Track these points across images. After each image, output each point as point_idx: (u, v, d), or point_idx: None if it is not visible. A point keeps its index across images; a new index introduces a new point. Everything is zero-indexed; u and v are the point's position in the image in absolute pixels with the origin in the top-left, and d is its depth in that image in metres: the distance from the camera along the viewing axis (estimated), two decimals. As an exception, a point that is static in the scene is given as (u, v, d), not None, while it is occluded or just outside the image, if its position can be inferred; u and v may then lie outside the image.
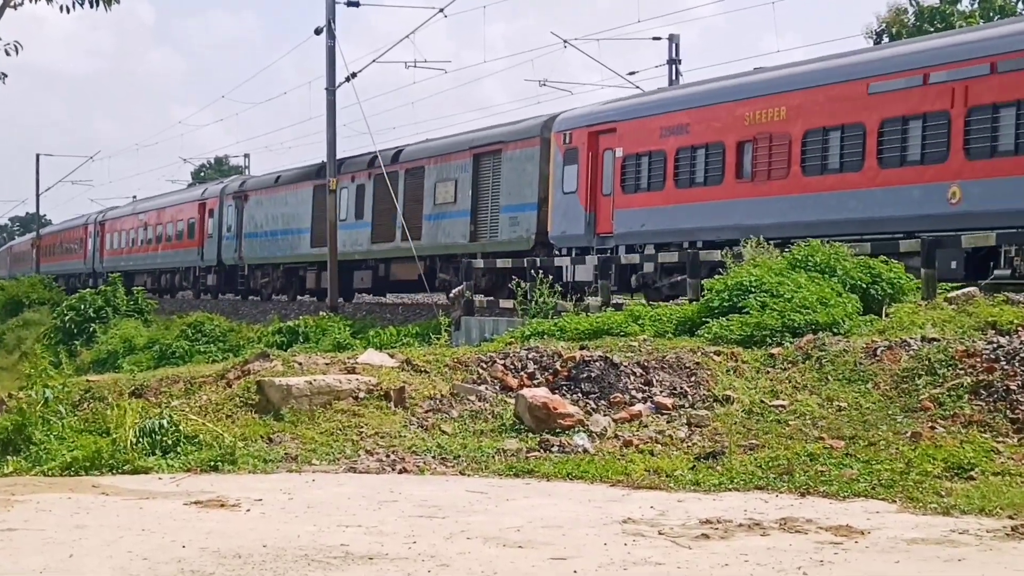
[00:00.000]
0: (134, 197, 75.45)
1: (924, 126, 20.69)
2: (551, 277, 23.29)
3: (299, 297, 44.13)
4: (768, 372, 13.88)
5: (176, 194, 61.15)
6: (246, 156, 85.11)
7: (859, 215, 21.55)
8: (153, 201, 62.14)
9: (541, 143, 30.69)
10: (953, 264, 19.25)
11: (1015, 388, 11.90)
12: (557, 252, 29.31)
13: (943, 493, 9.86)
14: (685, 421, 12.72)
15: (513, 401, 13.21)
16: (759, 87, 24.47)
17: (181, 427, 12.28)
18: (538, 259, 25.85)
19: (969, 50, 20.39)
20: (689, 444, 12.06)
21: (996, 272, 18.92)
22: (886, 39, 45.02)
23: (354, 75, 37.85)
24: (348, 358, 14.70)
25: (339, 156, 38.21)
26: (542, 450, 12.06)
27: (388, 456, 12.03)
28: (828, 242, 17.02)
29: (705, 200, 25.07)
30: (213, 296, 50.60)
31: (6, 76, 17.64)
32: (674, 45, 43.73)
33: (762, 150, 23.75)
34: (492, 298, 28.62)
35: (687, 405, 13.23)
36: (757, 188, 23.81)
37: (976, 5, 48.20)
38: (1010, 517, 9.12)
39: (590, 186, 28.39)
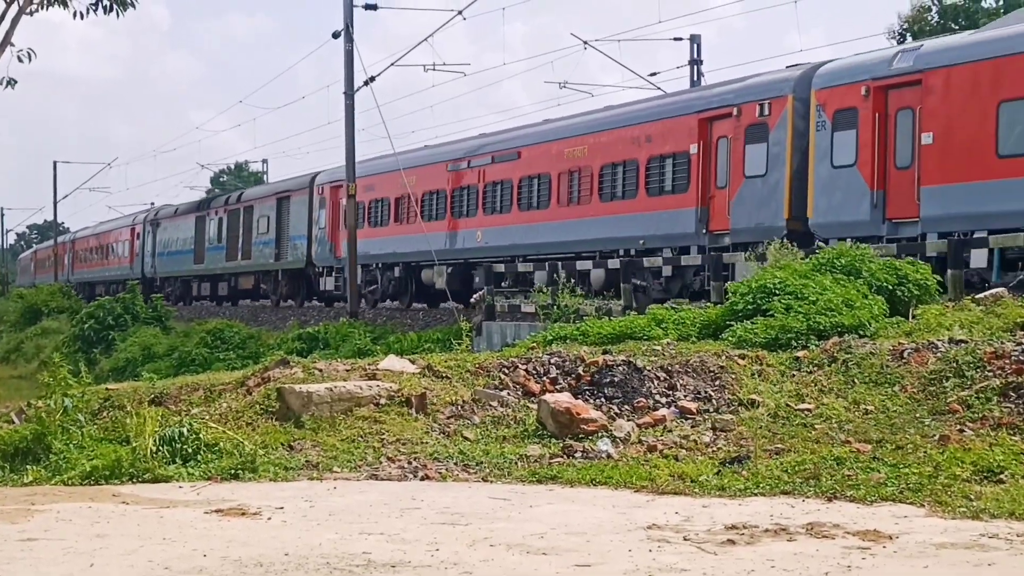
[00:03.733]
0: (151, 203, 76.76)
1: (469, 193, 35.19)
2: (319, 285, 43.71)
3: (194, 303, 57.54)
4: (793, 375, 13.85)
5: (120, 220, 74.46)
6: (264, 162, 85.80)
7: (442, 247, 35.52)
8: (105, 225, 77.27)
9: (310, 192, 45.08)
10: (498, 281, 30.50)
11: (1045, 390, 11.85)
12: (318, 270, 44.19)
13: (972, 497, 9.81)
14: (710, 426, 12.70)
15: (535, 407, 13.20)
16: (408, 162, 37.91)
17: (201, 435, 12.29)
18: (559, 263, 26.80)
19: (482, 147, 35.44)
20: (714, 449, 12.04)
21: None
22: (909, 39, 44.87)
23: (372, 79, 37.93)
24: (369, 364, 14.70)
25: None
26: (565, 456, 12.05)
27: (410, 463, 12.03)
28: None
29: (381, 236, 39.51)
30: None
31: (16, 82, 17.64)
32: (695, 45, 43.71)
33: (404, 204, 38.34)
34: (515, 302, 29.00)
35: (712, 409, 13.20)
36: (404, 228, 38.31)
37: (1001, 2, 48.00)
38: (1041, 521, 9.08)
39: (332, 224, 42.71)
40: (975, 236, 20.06)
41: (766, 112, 24.67)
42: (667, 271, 26.31)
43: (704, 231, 26.15)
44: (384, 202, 39.94)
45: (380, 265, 39.92)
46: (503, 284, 30.85)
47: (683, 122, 27.02)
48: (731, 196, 25.42)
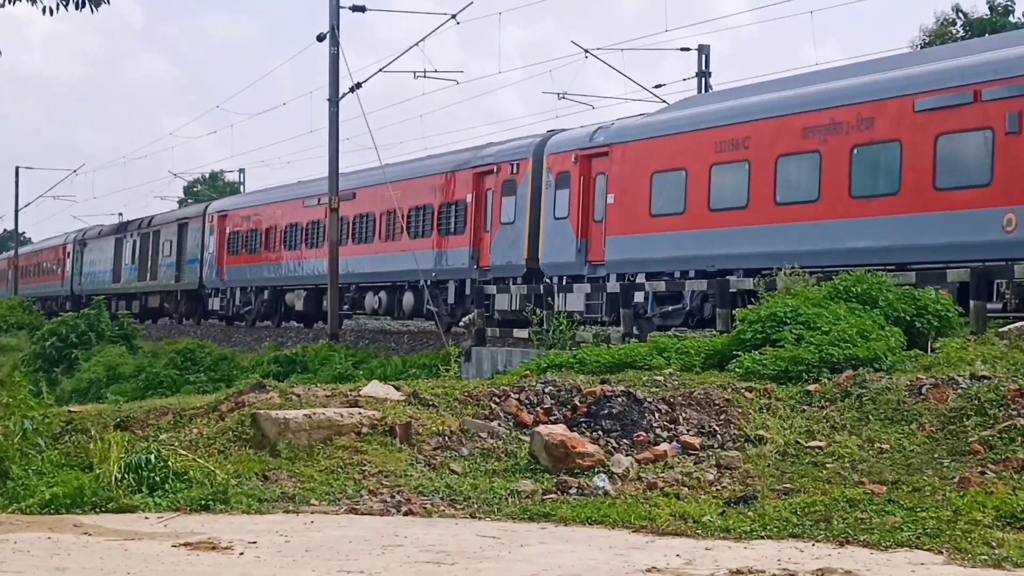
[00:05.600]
0: (120, 215, 77.33)
1: (318, 227, 41.94)
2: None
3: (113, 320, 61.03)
4: (804, 410, 13.86)
5: (54, 239, 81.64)
6: (241, 171, 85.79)
7: (299, 275, 43.97)
8: (43, 243, 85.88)
9: (203, 220, 53.66)
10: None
11: (1072, 431, 11.87)
12: (207, 291, 53.05)
13: (994, 544, 9.81)
14: (714, 462, 12.70)
15: (528, 439, 13.19)
16: (276, 196, 47.80)
17: (170, 463, 12.26)
18: (551, 288, 27.45)
19: (345, 182, 40.21)
20: (718, 487, 12.04)
21: None
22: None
23: (359, 85, 37.96)
24: (350, 390, 14.71)
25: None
26: (559, 492, 12.04)
27: (393, 497, 12.02)
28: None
29: (254, 263, 48.07)
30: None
31: None
32: (704, 56, 43.78)
33: (272, 235, 46.81)
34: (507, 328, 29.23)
35: (716, 445, 13.21)
36: (270, 257, 46.41)
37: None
38: (1067, 571, 9.08)
39: (219, 250, 51.65)
40: (638, 278, 26.70)
41: (515, 171, 32.08)
42: (451, 298, 34.32)
43: (476, 267, 33.80)
44: (257, 232, 48.59)
45: (254, 288, 48.82)
46: (343, 307, 40.71)
47: (463, 175, 34.87)
48: (492, 239, 33.18)
